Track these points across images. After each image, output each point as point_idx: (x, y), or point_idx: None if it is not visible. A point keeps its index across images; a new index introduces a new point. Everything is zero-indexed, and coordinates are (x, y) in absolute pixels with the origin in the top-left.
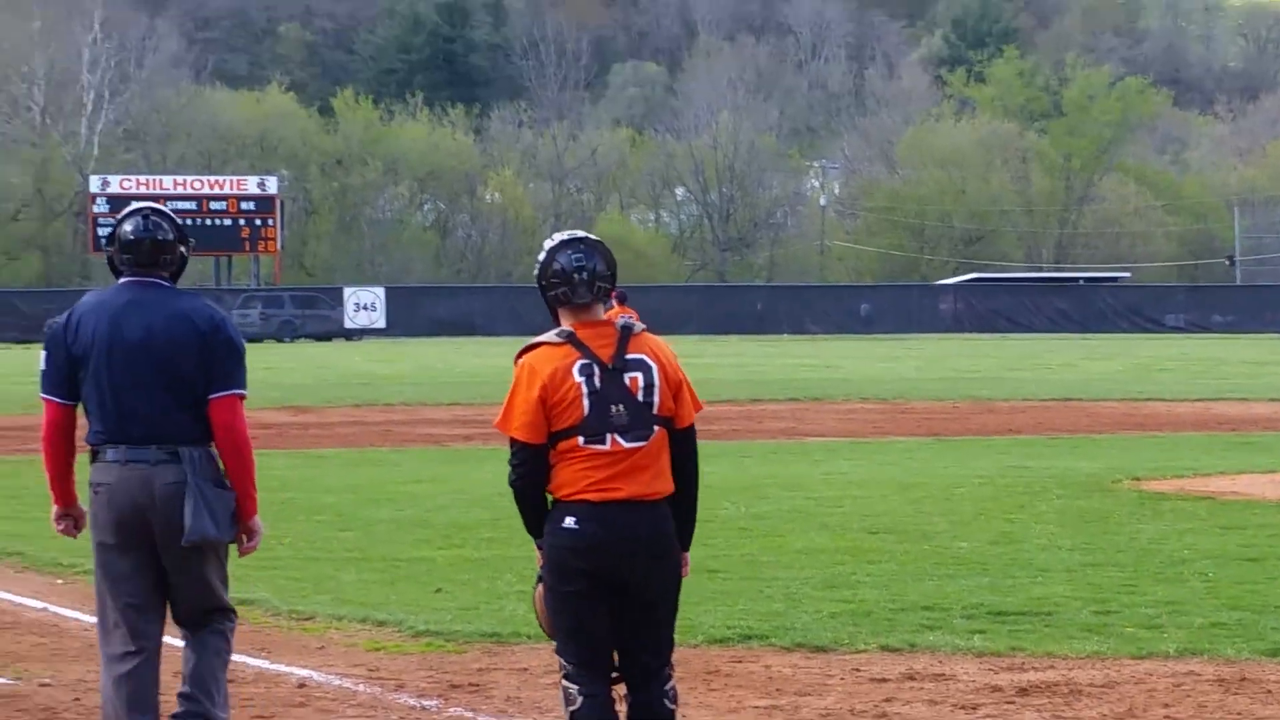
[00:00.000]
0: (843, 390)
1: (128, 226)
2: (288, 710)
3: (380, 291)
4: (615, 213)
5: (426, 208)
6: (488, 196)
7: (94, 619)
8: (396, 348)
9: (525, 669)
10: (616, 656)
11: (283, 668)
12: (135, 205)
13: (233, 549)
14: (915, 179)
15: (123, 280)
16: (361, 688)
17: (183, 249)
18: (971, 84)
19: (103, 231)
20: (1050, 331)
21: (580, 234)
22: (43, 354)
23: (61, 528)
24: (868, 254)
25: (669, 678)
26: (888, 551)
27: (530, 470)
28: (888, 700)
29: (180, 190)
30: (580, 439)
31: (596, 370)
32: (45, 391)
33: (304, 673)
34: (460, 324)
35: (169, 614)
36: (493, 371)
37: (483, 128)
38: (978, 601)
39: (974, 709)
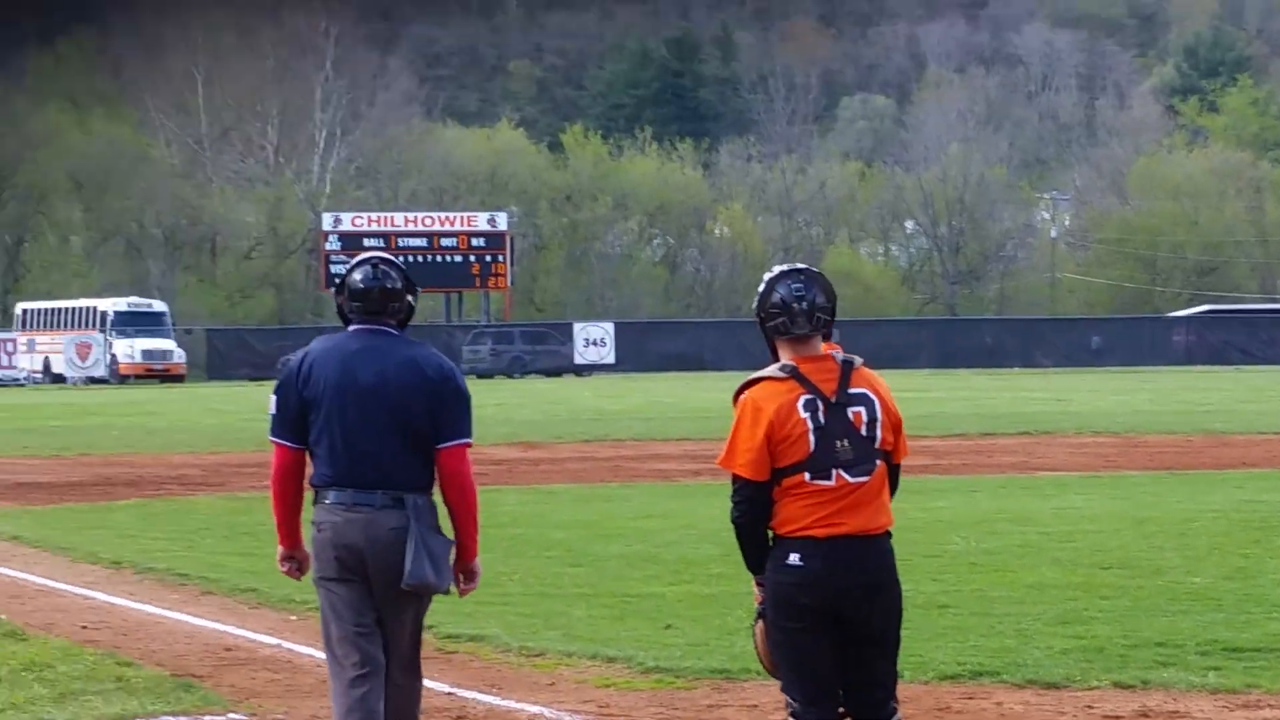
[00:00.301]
0: (1074, 424)
1: (357, 275)
2: None
3: (609, 327)
4: (844, 246)
5: (656, 242)
6: (717, 230)
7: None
8: (626, 383)
9: (755, 705)
10: (841, 692)
11: (513, 704)
12: (364, 255)
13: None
14: (1147, 210)
15: (353, 328)
16: None
17: (410, 297)
18: (1204, 113)
19: (335, 269)
20: None
21: (800, 265)
22: (273, 398)
23: (286, 569)
24: (1098, 286)
25: (895, 710)
26: (1120, 587)
27: (754, 507)
28: None
29: (411, 227)
30: (806, 475)
31: (821, 405)
32: (275, 435)
33: (535, 709)
34: (689, 358)
35: None
36: (722, 406)
37: (711, 162)
38: (1212, 638)
39: None
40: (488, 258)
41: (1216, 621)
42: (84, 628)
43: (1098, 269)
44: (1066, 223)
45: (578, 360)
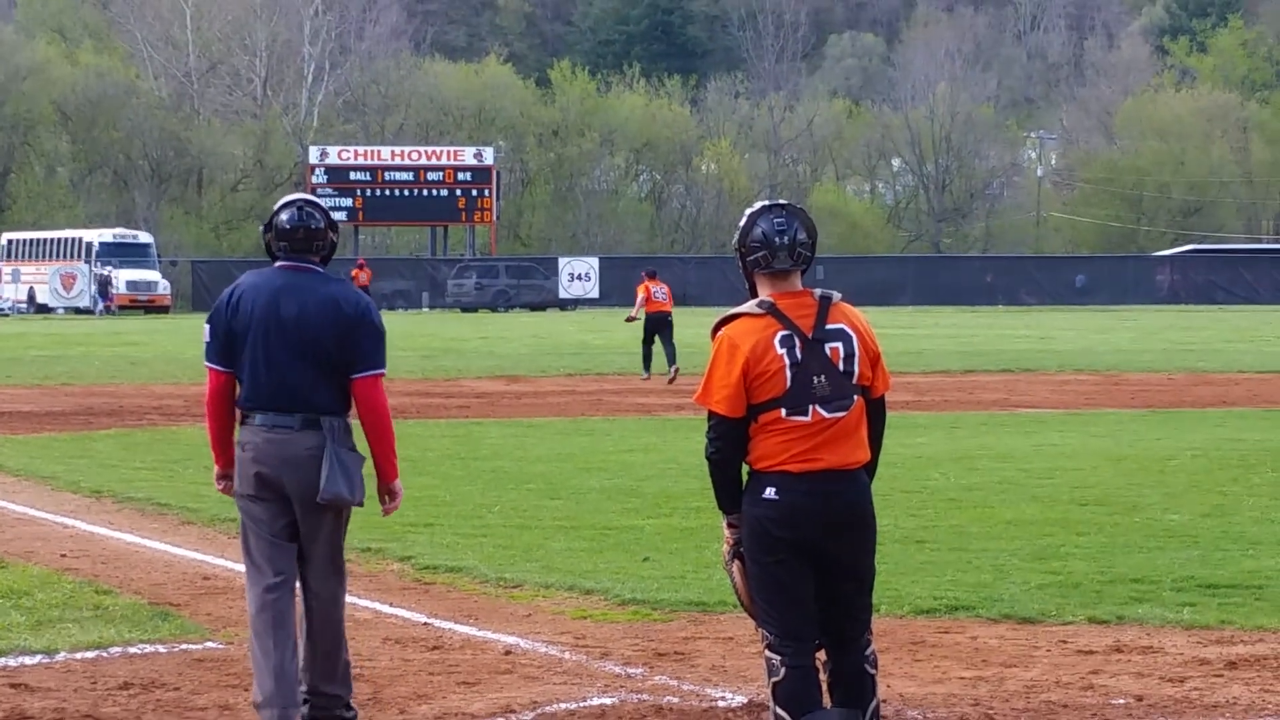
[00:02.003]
0: (1056, 362)
1: (283, 216)
2: (493, 677)
3: (594, 262)
4: (831, 184)
5: (642, 178)
6: (703, 167)
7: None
8: (610, 318)
9: (730, 638)
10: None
11: (489, 634)
12: (290, 196)
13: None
14: (1133, 150)
15: (279, 264)
16: (567, 655)
17: (332, 235)
18: (1193, 54)
19: (322, 202)
20: (1269, 303)
21: (782, 201)
22: (206, 327)
23: (221, 487)
24: (1084, 225)
25: (869, 643)
26: (1097, 523)
27: (729, 443)
28: (1094, 672)
29: (398, 161)
30: (782, 411)
31: (798, 342)
32: (208, 360)
33: (510, 640)
34: (674, 295)
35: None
36: (705, 342)
37: (699, 99)
38: (1188, 574)
39: (1181, 682)
40: (474, 192)
41: (1192, 558)
42: (63, 556)
43: (1083, 208)
44: (1053, 162)
45: (562, 294)
